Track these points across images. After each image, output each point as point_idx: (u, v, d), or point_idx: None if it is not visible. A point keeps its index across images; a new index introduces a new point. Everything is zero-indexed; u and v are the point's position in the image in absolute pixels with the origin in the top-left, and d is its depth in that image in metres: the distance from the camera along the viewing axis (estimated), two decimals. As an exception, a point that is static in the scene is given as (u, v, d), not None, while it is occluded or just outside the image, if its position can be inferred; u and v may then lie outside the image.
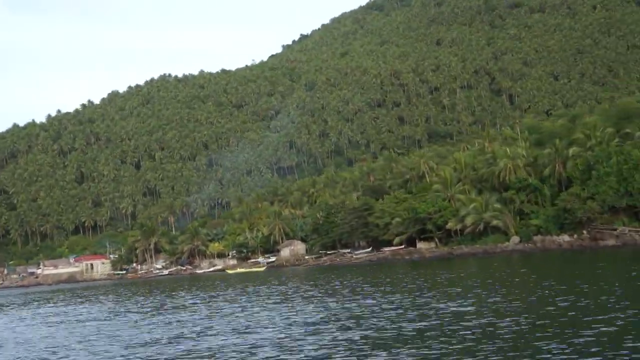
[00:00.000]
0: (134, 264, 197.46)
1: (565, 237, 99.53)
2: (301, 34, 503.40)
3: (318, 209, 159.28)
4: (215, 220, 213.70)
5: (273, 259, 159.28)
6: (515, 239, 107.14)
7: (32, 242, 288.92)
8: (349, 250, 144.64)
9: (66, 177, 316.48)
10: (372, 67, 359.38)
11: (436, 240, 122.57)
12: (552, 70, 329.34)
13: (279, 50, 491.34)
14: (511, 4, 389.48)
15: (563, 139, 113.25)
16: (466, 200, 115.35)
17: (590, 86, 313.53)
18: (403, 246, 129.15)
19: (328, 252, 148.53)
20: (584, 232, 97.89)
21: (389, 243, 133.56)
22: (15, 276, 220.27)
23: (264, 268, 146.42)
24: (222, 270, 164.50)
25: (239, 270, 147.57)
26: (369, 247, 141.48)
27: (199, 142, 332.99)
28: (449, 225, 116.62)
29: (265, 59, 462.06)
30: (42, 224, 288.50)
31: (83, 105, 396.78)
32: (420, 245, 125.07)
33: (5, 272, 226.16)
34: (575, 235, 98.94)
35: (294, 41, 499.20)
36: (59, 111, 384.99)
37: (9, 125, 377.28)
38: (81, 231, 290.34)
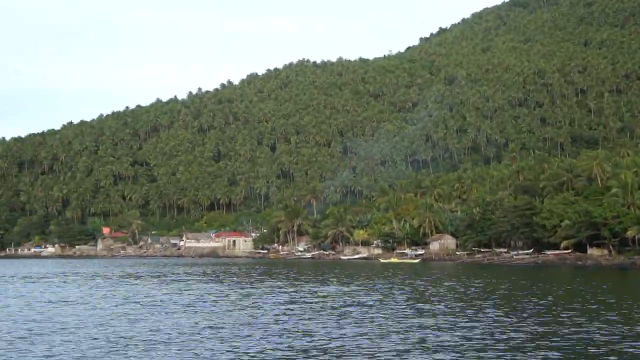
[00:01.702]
0: (275, 244, 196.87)
1: None
2: (440, 27, 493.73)
3: (474, 204, 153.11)
4: (354, 207, 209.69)
5: (421, 251, 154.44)
6: None
7: (169, 215, 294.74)
8: (505, 250, 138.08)
9: (204, 154, 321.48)
10: (515, 65, 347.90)
11: (610, 247, 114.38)
12: None
13: (416, 42, 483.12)
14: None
15: None
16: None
17: None
18: (570, 251, 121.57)
19: (482, 250, 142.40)
20: None
21: (551, 246, 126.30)
22: (158, 246, 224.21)
23: (418, 260, 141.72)
24: (367, 258, 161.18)
25: (392, 260, 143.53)
26: (526, 248, 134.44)
27: (335, 129, 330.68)
28: (629, 233, 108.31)
29: (402, 50, 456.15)
30: (179, 197, 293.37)
31: (223, 85, 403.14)
32: (592, 251, 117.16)
33: (149, 241, 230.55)
34: None
35: (432, 34, 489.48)
36: (199, 89, 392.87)
37: (153, 99, 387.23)
38: (216, 207, 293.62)
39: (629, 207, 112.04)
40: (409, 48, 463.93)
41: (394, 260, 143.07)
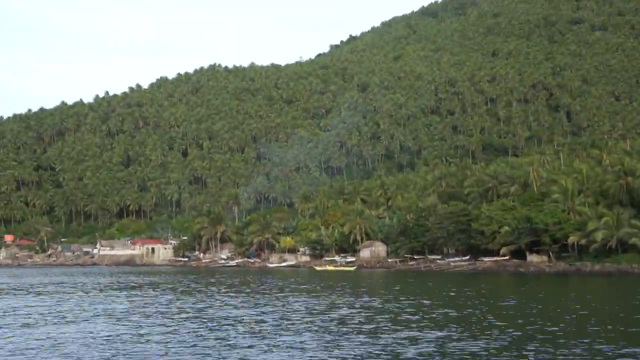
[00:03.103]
0: (197, 252, 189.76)
1: None
2: (350, 35, 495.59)
3: (406, 210, 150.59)
4: (277, 214, 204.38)
5: (352, 259, 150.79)
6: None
7: (76, 222, 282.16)
8: (439, 257, 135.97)
9: (113, 159, 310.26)
10: (426, 73, 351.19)
11: (550, 253, 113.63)
12: (613, 90, 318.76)
13: (327, 49, 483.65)
14: (571, 20, 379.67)
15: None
16: (591, 213, 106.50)
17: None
18: (507, 257, 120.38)
19: (415, 257, 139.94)
20: None
21: (487, 252, 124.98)
22: (69, 254, 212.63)
23: (354, 268, 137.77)
24: (296, 266, 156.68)
25: (328, 267, 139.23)
26: (460, 255, 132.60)
27: (248, 135, 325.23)
28: (571, 239, 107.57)
29: (313, 57, 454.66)
30: (87, 203, 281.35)
31: (131, 89, 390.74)
32: (531, 258, 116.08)
33: (59, 249, 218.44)
34: None
35: (342, 42, 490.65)
36: (107, 93, 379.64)
37: (57, 102, 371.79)
38: (125, 214, 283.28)
39: (569, 212, 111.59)
40: (319, 55, 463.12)
41: (329, 268, 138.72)
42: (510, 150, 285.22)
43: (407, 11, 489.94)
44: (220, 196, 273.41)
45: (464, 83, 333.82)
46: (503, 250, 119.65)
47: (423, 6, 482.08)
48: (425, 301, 59.59)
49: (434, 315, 47.78)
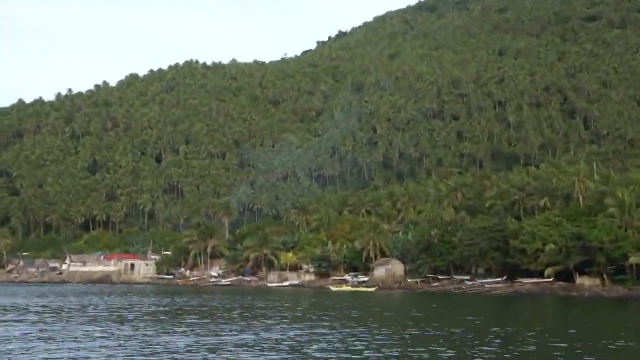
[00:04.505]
0: (182, 269, 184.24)
1: None
2: (339, 31, 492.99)
3: (429, 225, 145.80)
4: (274, 227, 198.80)
5: (364, 278, 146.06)
6: None
7: (35, 233, 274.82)
8: (467, 277, 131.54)
9: (78, 164, 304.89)
10: (427, 73, 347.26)
11: (605, 276, 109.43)
12: (635, 94, 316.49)
13: (313, 46, 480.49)
14: (587, 16, 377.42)
15: None
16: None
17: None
18: (551, 279, 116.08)
19: (439, 277, 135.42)
20: None
21: (526, 273, 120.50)
22: (32, 270, 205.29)
23: (374, 289, 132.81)
24: (300, 285, 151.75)
25: (344, 288, 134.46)
26: (494, 276, 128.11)
27: (230, 139, 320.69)
28: (632, 259, 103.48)
29: (298, 54, 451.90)
30: (47, 213, 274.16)
31: (97, 86, 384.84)
32: (582, 280, 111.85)
33: (21, 264, 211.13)
34: None
35: (330, 37, 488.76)
36: (69, 90, 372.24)
37: (14, 100, 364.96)
38: (91, 226, 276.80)
39: (626, 229, 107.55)
40: (306, 52, 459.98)
41: (346, 288, 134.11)
42: (522, 159, 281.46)
43: (403, 5, 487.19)
44: (199, 207, 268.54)
45: (469, 84, 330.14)
46: (548, 271, 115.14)
47: (420, 0, 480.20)
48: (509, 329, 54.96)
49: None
